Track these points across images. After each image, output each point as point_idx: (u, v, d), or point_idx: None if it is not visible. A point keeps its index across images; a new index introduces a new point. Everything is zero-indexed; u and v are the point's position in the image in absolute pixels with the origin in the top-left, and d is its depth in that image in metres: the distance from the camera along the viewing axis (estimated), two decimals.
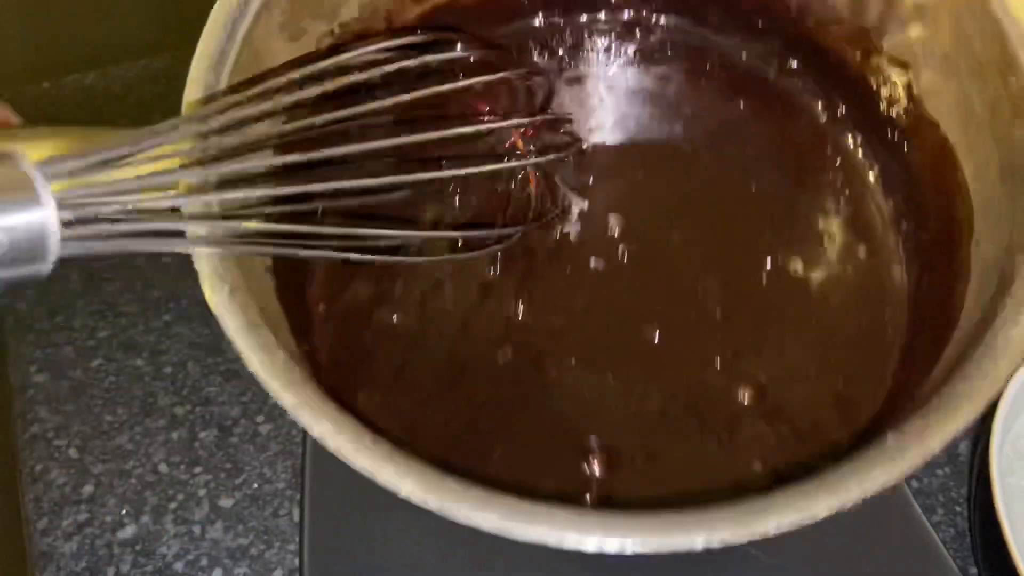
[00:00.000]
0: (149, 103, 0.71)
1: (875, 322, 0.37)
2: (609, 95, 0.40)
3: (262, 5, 0.32)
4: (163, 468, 0.47)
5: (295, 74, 0.30)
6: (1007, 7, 0.30)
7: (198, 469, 0.47)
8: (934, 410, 0.26)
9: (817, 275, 0.38)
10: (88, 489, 0.46)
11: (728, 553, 0.41)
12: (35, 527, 0.45)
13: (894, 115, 0.36)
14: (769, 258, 0.38)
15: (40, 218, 0.23)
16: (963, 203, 0.32)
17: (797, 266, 0.38)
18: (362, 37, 0.37)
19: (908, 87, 0.35)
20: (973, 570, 0.45)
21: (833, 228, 0.38)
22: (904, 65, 0.35)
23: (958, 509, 0.47)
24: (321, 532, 0.44)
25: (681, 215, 0.39)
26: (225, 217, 0.28)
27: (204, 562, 0.44)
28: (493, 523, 0.24)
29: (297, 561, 0.44)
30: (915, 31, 0.34)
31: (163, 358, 0.52)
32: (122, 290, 0.57)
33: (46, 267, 0.23)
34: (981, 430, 0.51)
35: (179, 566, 0.43)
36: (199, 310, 0.56)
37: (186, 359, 0.52)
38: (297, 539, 0.45)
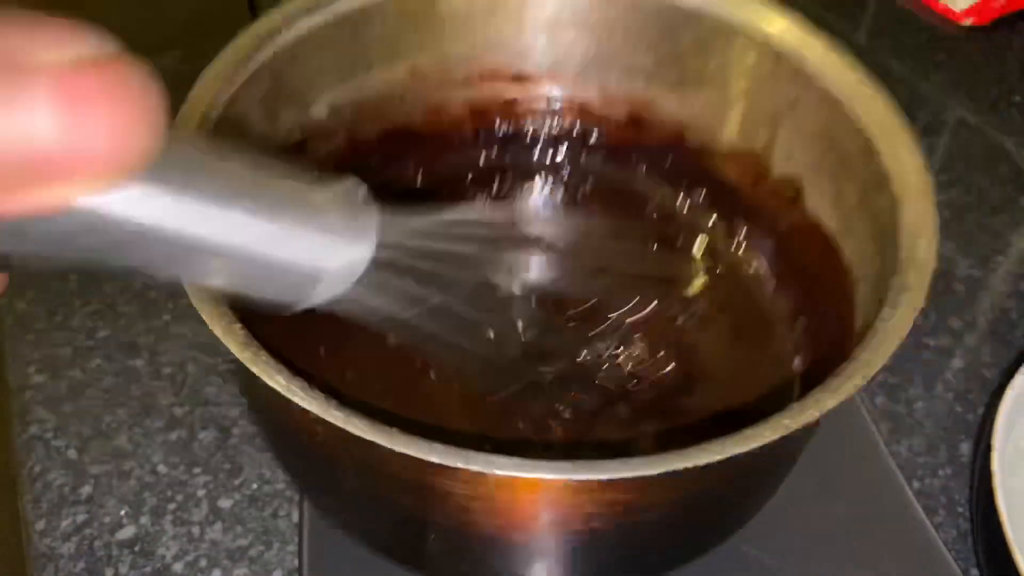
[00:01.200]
0: None
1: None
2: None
3: (246, 79, 0.35)
4: (162, 469, 0.47)
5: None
6: (859, 100, 0.37)
7: (197, 470, 0.47)
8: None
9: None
10: (87, 490, 0.46)
11: (728, 554, 0.41)
12: (34, 528, 0.45)
13: (786, 228, 0.43)
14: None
15: (358, 252, 0.23)
16: (848, 278, 0.38)
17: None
18: (325, 136, 0.41)
19: (795, 199, 0.41)
20: (975, 572, 0.45)
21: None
22: (791, 180, 0.41)
23: (960, 510, 0.47)
24: (321, 532, 0.43)
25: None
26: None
27: (203, 563, 0.43)
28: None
29: (297, 562, 0.44)
30: (797, 148, 0.41)
31: (162, 358, 0.52)
32: (121, 290, 0.56)
33: (329, 295, 0.23)
34: (983, 431, 0.51)
35: (178, 567, 0.43)
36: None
37: (185, 360, 0.52)
38: (297, 540, 0.45)
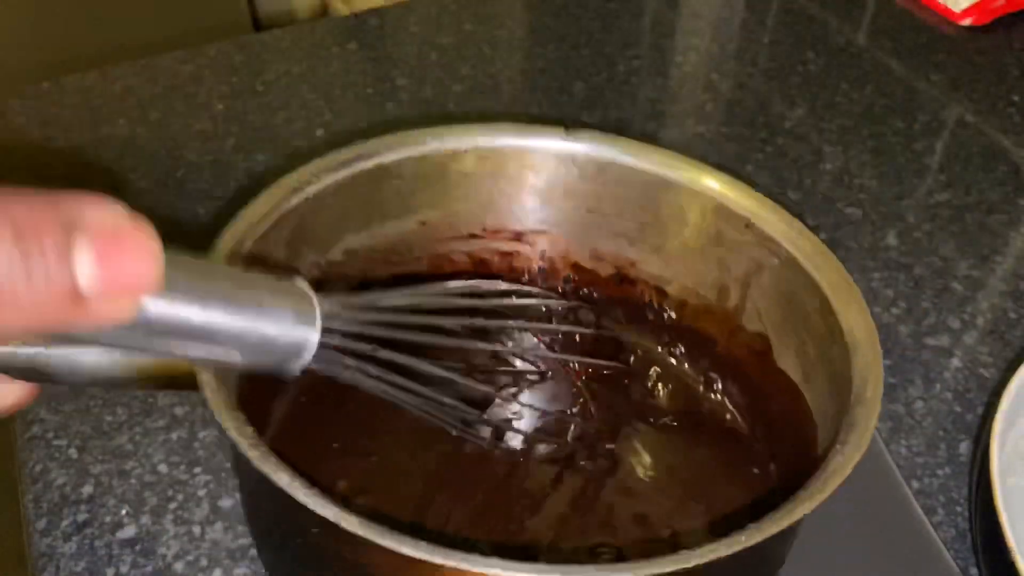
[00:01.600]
0: (149, 103, 0.71)
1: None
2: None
3: (275, 222, 0.41)
4: (163, 468, 0.47)
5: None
6: (815, 264, 0.42)
7: (198, 469, 0.47)
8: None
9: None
10: (88, 489, 0.46)
11: None
12: (35, 527, 0.45)
13: (757, 378, 0.47)
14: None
15: (306, 335, 0.31)
16: (812, 423, 0.42)
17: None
18: (341, 276, 0.46)
19: (765, 352, 0.46)
20: (974, 571, 0.45)
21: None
22: (760, 335, 0.46)
23: (959, 509, 0.47)
24: None
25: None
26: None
27: (204, 562, 0.43)
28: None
29: None
30: (764, 306, 0.46)
31: None
32: None
33: (292, 371, 0.31)
34: (982, 431, 0.51)
35: (179, 566, 0.43)
36: None
37: None
38: None
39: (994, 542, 0.41)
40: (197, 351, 0.28)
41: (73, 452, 0.48)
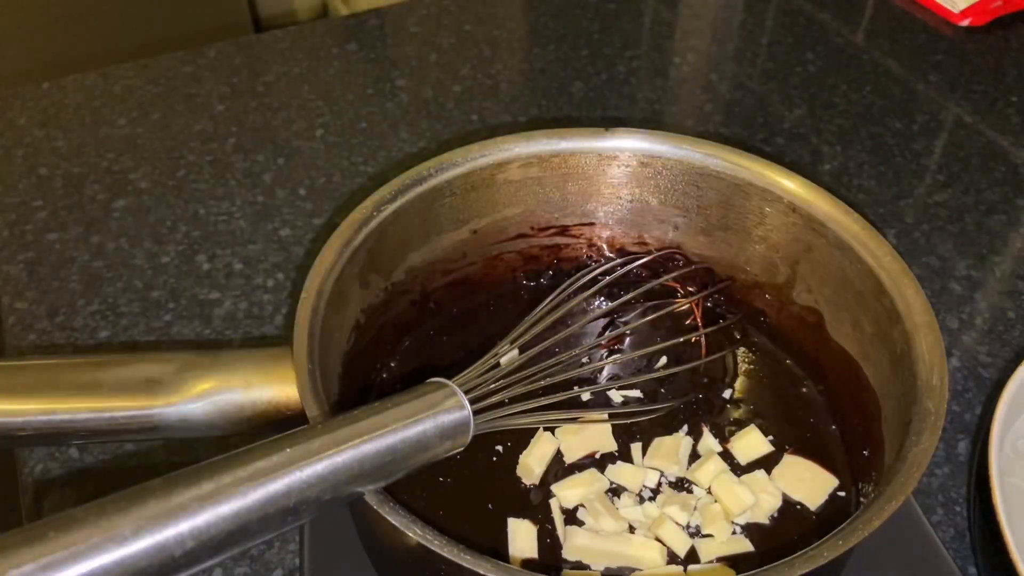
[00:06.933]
0: (149, 103, 0.71)
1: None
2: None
3: (348, 258, 0.43)
4: (164, 469, 0.47)
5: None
6: (866, 246, 0.44)
7: None
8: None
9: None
10: (89, 489, 0.46)
11: None
12: None
13: (811, 350, 0.49)
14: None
15: (465, 416, 0.36)
16: (874, 396, 0.44)
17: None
18: (403, 292, 0.49)
19: (818, 325, 0.48)
20: (972, 570, 0.45)
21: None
22: (812, 310, 0.48)
23: (958, 509, 0.47)
24: (321, 532, 0.44)
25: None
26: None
27: None
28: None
29: (297, 561, 0.44)
30: (815, 284, 0.48)
31: None
32: (122, 290, 0.57)
33: (465, 442, 0.37)
34: (980, 430, 0.51)
35: None
36: (199, 310, 0.56)
37: None
38: (297, 539, 0.45)
39: (993, 541, 0.41)
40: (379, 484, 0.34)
41: (74, 452, 0.48)
